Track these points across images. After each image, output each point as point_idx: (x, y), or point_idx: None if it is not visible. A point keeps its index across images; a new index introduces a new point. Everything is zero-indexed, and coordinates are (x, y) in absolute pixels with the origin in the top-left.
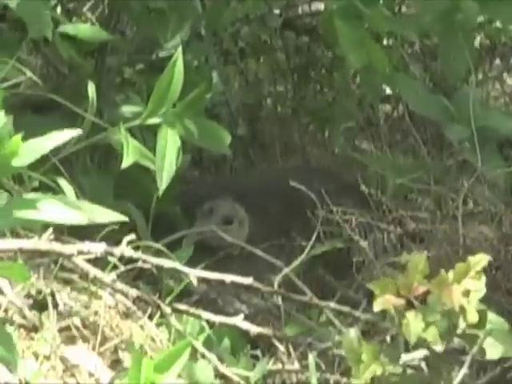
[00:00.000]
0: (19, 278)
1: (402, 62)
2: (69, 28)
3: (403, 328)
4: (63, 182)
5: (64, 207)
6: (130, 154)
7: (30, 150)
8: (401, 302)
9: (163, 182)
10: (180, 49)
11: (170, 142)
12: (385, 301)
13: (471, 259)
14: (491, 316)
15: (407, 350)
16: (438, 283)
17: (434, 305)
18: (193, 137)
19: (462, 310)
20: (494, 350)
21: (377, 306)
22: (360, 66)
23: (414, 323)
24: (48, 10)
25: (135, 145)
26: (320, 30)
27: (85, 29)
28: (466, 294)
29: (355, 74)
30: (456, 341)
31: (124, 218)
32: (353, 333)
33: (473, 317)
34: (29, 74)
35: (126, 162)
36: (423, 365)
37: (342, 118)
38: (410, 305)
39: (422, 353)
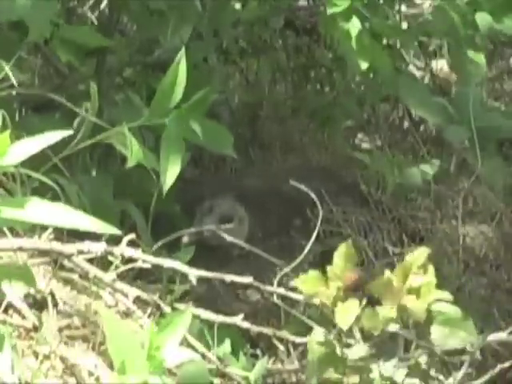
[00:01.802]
0: (26, 283)
1: (403, 62)
2: (69, 31)
3: (336, 316)
4: (64, 182)
5: (51, 208)
6: (134, 155)
7: (19, 149)
8: (332, 292)
9: (167, 183)
10: (183, 50)
11: (174, 143)
12: (317, 294)
13: (410, 256)
14: (444, 306)
15: (407, 350)
16: (382, 285)
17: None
18: (197, 138)
19: (406, 309)
20: (451, 339)
21: (308, 300)
22: (363, 69)
23: (347, 310)
24: (54, 13)
25: (138, 146)
26: (320, 30)
27: (84, 32)
28: (415, 290)
29: (355, 73)
30: (456, 341)
31: (117, 231)
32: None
33: (420, 314)
34: (29, 74)
35: (130, 163)
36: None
37: (342, 118)
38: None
39: (420, 353)
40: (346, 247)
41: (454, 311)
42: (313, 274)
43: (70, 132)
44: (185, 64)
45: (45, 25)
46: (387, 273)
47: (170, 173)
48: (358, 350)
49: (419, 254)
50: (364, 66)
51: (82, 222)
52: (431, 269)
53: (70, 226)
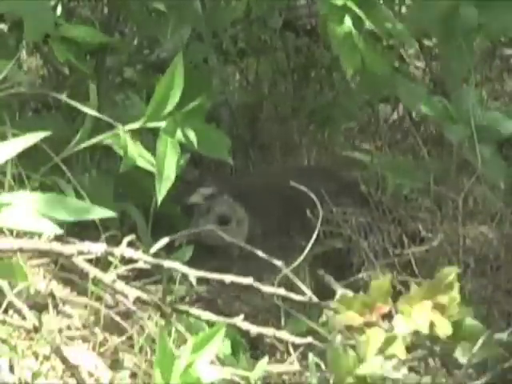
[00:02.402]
0: (19, 279)
1: (402, 62)
2: (68, 30)
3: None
4: (62, 183)
5: (47, 199)
6: (129, 157)
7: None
8: (360, 320)
9: (162, 189)
10: (181, 53)
11: (169, 149)
12: (347, 318)
13: (440, 274)
14: (469, 321)
15: (406, 350)
16: (406, 301)
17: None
18: (192, 144)
19: (433, 325)
20: (467, 354)
21: (337, 325)
22: (353, 68)
23: (373, 339)
24: (47, 10)
25: (135, 147)
26: (320, 31)
27: (84, 31)
28: (439, 307)
29: (355, 73)
30: (481, 356)
31: (112, 214)
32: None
33: (446, 330)
34: (29, 74)
35: (124, 166)
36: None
37: (342, 118)
38: (371, 324)
39: (420, 353)
40: (384, 282)
41: (477, 326)
42: (350, 298)
43: (47, 133)
44: (182, 67)
45: (42, 23)
46: (414, 287)
47: (166, 179)
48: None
49: (448, 272)
50: (353, 67)
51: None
52: (457, 285)
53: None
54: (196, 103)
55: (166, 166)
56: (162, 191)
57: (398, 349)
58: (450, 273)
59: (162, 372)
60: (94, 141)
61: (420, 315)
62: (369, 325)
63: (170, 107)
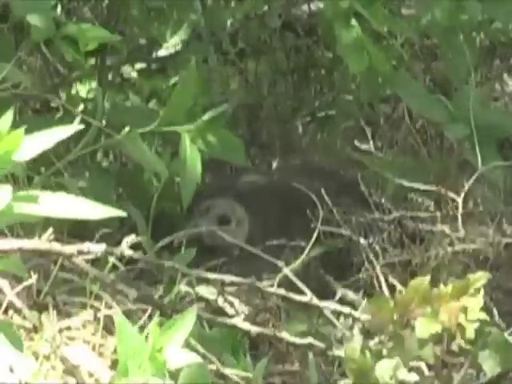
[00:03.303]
0: (16, 271)
1: (402, 62)
2: (72, 29)
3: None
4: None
5: (65, 201)
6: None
7: (31, 144)
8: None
9: (186, 195)
10: (194, 60)
11: (191, 154)
12: (380, 320)
13: (471, 276)
14: (489, 329)
15: None
16: (436, 298)
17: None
18: (214, 151)
19: (460, 326)
20: (492, 363)
21: (372, 327)
22: (360, 70)
23: (408, 342)
24: (50, 9)
25: (145, 150)
26: (320, 32)
27: (87, 29)
28: (464, 310)
29: (355, 73)
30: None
31: (123, 214)
32: (356, 341)
33: (470, 334)
34: (29, 74)
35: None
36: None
37: (342, 118)
38: (406, 324)
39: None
40: (422, 281)
41: (498, 335)
42: (383, 298)
43: (78, 127)
44: (195, 71)
45: (47, 23)
46: (442, 287)
47: (189, 186)
48: None
49: (479, 276)
50: (360, 66)
51: (95, 212)
52: (481, 294)
53: (84, 216)
54: (217, 110)
55: (188, 171)
56: (186, 197)
57: (429, 353)
58: (481, 278)
59: (125, 354)
60: (100, 145)
61: (448, 316)
62: (403, 326)
63: (184, 112)
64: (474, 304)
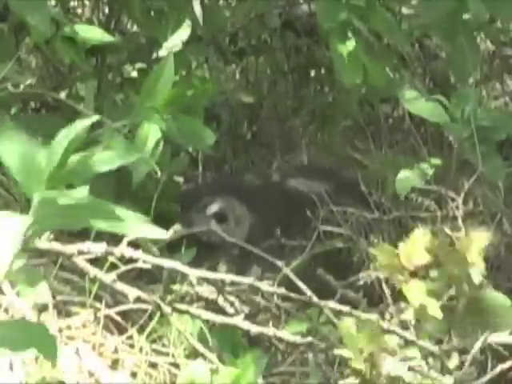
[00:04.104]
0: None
1: (402, 62)
2: (71, 30)
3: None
4: None
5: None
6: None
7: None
8: (405, 271)
9: (139, 172)
10: (172, 52)
11: (150, 136)
12: (390, 268)
13: (473, 235)
14: (493, 293)
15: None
16: (440, 247)
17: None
18: (173, 133)
19: (467, 276)
20: (497, 326)
21: (382, 273)
22: (355, 83)
23: (416, 292)
24: (50, 10)
25: (126, 144)
26: (319, 32)
27: (87, 30)
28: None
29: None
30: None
31: (165, 236)
32: (350, 320)
33: (478, 280)
34: (29, 73)
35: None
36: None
37: (342, 118)
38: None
39: (422, 352)
40: (424, 233)
41: (501, 298)
42: (388, 248)
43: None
44: (172, 65)
45: (46, 23)
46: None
47: (143, 161)
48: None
49: (480, 235)
50: (355, 80)
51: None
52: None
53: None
54: (174, 92)
55: (145, 150)
56: (138, 176)
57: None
58: (482, 237)
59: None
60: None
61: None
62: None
63: (155, 104)
64: (477, 258)
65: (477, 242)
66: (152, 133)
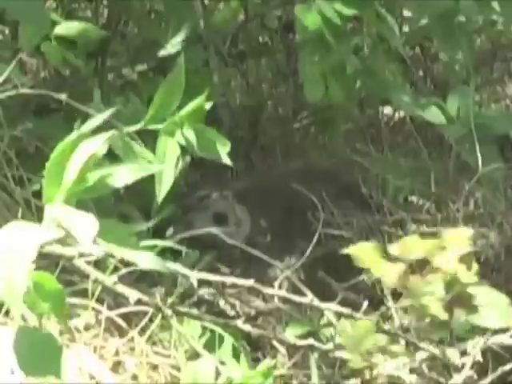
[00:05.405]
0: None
1: (402, 65)
2: (64, 28)
3: (407, 295)
4: None
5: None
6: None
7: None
8: (401, 267)
9: (162, 190)
10: (182, 55)
11: (169, 150)
12: (383, 268)
13: (456, 231)
14: (489, 290)
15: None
16: (432, 247)
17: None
18: (192, 146)
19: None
20: (492, 320)
21: (378, 275)
22: (314, 100)
23: (416, 289)
24: (43, 12)
25: (136, 150)
26: None
27: (83, 28)
28: (461, 260)
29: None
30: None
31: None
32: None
33: (469, 279)
34: (30, 75)
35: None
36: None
37: (343, 121)
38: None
39: (423, 354)
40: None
41: (498, 296)
42: (369, 245)
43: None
44: (183, 70)
45: (38, 26)
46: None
47: (165, 181)
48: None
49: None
50: (315, 97)
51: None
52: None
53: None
54: (195, 104)
55: (165, 168)
56: (161, 192)
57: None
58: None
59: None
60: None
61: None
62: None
63: (171, 109)
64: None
65: (462, 238)
66: (171, 146)
